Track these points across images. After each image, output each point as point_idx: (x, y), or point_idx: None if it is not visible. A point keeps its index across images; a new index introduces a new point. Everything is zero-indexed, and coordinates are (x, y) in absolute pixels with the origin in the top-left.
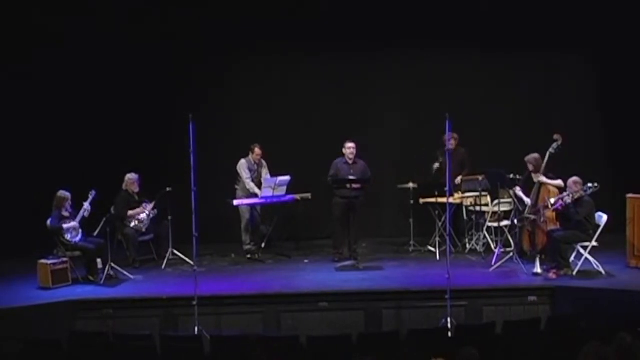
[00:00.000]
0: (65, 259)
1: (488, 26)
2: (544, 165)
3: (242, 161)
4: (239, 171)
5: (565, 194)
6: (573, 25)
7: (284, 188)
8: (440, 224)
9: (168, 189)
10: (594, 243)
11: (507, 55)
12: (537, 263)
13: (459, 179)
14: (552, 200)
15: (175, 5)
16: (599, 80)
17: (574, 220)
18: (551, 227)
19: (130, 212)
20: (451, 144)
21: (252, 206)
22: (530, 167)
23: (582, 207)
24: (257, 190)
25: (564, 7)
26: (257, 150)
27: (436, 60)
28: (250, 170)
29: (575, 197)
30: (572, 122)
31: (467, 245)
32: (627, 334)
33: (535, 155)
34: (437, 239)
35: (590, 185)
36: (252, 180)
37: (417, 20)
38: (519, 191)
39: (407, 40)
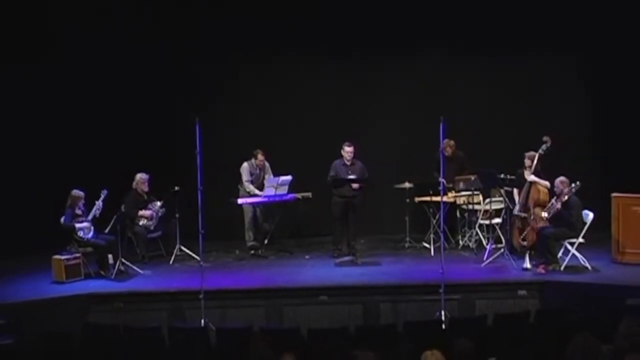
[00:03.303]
0: (78, 255)
1: (481, 31)
2: (533, 165)
3: (245, 164)
4: (241, 173)
5: (553, 200)
6: (563, 29)
7: (286, 187)
8: (434, 221)
9: (176, 188)
10: (580, 240)
11: (499, 58)
12: (527, 259)
13: (461, 185)
14: (545, 214)
15: (188, 11)
16: (587, 83)
17: (567, 221)
18: (540, 224)
19: (139, 213)
20: (447, 150)
21: (255, 205)
22: (528, 162)
23: (573, 208)
24: (256, 192)
25: (554, 12)
26: (260, 156)
27: (431, 65)
28: (251, 174)
29: (563, 200)
30: (562, 124)
31: (460, 242)
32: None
33: (534, 153)
34: (432, 235)
35: (574, 185)
36: (252, 183)
37: (413, 25)
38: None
39: (404, 45)
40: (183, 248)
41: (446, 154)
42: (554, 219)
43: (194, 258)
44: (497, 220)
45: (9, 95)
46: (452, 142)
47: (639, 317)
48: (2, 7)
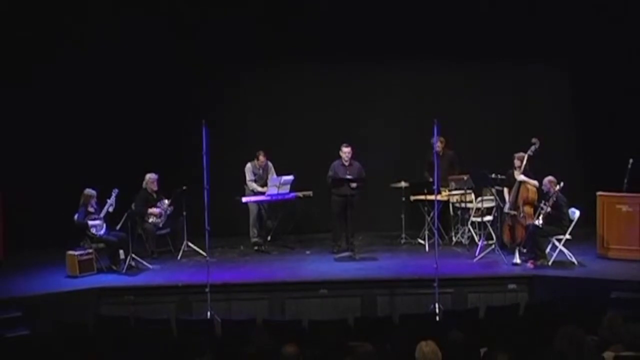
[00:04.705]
0: (90, 251)
1: (473, 37)
2: (523, 165)
3: (248, 165)
4: (245, 172)
5: (542, 205)
6: (550, 40)
7: (288, 186)
8: (429, 219)
9: (183, 187)
10: (567, 236)
11: (492, 66)
12: (517, 254)
13: (453, 184)
14: (537, 222)
15: (192, 25)
16: (573, 89)
17: (557, 220)
18: (529, 221)
19: (149, 211)
20: (438, 146)
21: (259, 203)
22: (518, 163)
23: (563, 208)
24: (258, 189)
25: (542, 24)
26: (261, 157)
27: (427, 71)
28: (254, 174)
29: (551, 203)
30: (549, 127)
31: (453, 238)
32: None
33: (523, 154)
34: (426, 232)
35: (558, 186)
36: (256, 182)
37: (410, 34)
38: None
39: (401, 53)
40: (190, 244)
41: (437, 149)
42: (545, 218)
43: (200, 254)
44: (489, 217)
45: (25, 98)
46: (442, 139)
47: (623, 310)
48: (20, 6)
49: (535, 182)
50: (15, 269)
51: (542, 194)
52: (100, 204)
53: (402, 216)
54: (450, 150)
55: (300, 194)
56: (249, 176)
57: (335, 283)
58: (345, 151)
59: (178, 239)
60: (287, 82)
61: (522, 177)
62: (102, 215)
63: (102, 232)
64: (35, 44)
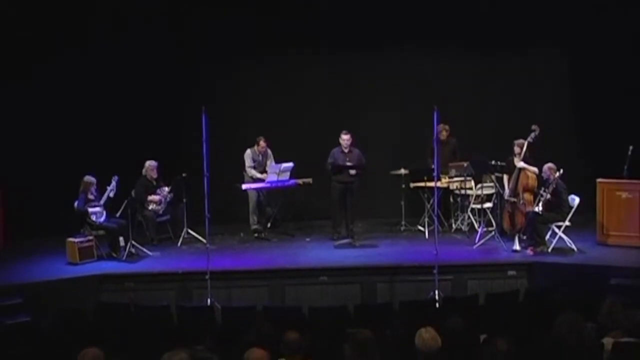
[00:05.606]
0: (90, 238)
1: (473, 26)
2: (523, 152)
3: (248, 151)
4: (244, 159)
5: (541, 192)
6: (551, 28)
7: (288, 173)
8: (428, 206)
9: (183, 174)
10: (567, 223)
11: (492, 54)
12: (516, 241)
13: (453, 171)
14: (537, 209)
15: (191, 14)
16: (573, 77)
17: (556, 207)
18: (529, 208)
19: (149, 198)
20: (442, 134)
21: (258, 190)
22: (517, 150)
23: (562, 195)
24: (258, 175)
25: (543, 13)
26: (262, 143)
27: (428, 59)
28: (253, 160)
29: (550, 190)
30: (549, 115)
31: (453, 225)
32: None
33: (523, 140)
34: (426, 219)
35: (557, 173)
36: (255, 168)
37: (410, 22)
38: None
39: (401, 41)
40: (190, 231)
41: (441, 137)
42: (545, 205)
43: (200, 240)
44: (488, 204)
45: (25, 89)
46: (447, 127)
47: (622, 296)
48: (20, 6)
49: (535, 169)
50: (16, 256)
51: (541, 181)
52: (100, 191)
53: (402, 203)
54: (454, 138)
55: (300, 181)
56: (248, 162)
57: (335, 270)
58: (345, 138)
59: (178, 226)
60: (287, 71)
61: (521, 164)
62: (102, 202)
63: (102, 219)
64: (35, 44)
